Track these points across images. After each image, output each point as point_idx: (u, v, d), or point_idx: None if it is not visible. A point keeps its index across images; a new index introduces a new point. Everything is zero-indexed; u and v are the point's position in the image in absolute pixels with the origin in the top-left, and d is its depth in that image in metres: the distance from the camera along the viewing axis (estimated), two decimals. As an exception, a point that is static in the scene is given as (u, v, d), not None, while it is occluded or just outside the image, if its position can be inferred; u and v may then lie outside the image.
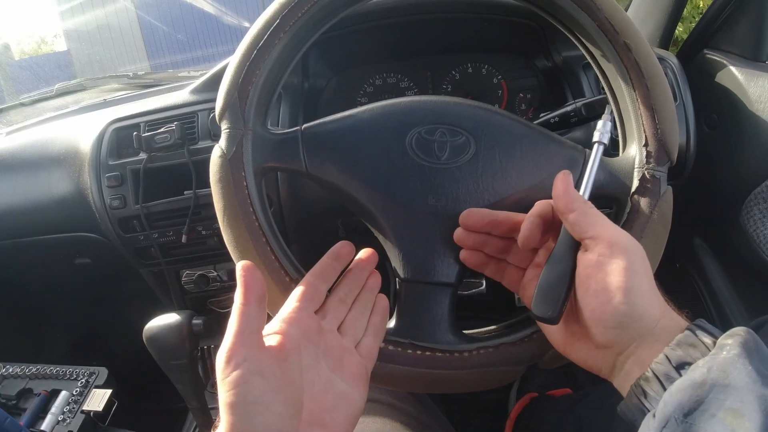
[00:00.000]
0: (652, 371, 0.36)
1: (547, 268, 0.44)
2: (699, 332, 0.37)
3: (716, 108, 0.88)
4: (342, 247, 0.49)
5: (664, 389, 0.35)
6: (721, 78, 0.89)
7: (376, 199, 0.50)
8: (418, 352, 0.49)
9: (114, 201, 0.85)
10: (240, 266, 0.40)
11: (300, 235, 0.83)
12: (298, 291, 0.45)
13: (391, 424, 0.57)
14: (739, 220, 0.89)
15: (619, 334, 0.39)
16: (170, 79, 1.19)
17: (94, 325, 1.42)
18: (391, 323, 0.51)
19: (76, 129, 0.96)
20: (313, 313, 0.44)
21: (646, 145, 0.49)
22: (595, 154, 0.49)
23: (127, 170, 0.85)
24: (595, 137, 0.50)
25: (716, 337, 0.36)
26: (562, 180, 0.44)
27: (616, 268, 0.39)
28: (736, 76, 0.86)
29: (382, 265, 0.52)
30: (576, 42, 0.55)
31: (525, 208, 0.51)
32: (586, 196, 0.47)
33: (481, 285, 0.98)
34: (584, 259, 0.41)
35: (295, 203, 0.81)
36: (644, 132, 0.49)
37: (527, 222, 0.45)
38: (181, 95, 0.90)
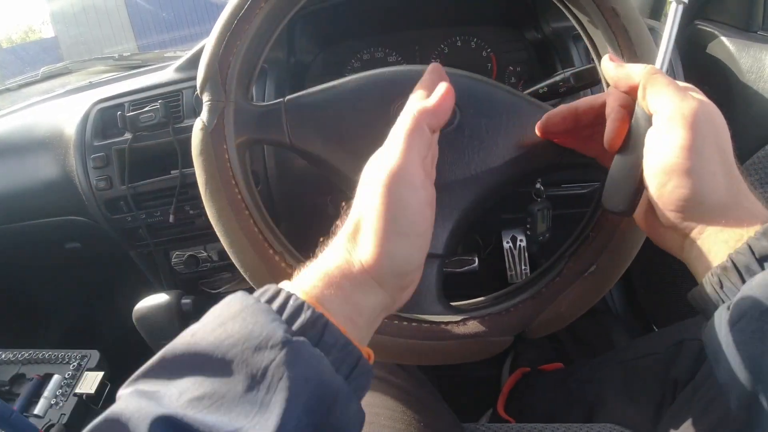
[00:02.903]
0: (732, 261, 0.33)
1: (619, 155, 0.42)
2: None
3: (707, 80, 0.87)
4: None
5: (743, 281, 0.32)
6: (712, 49, 0.88)
7: (360, 170, 0.50)
8: (405, 323, 0.48)
9: (100, 182, 0.85)
10: (442, 86, 0.40)
11: (289, 213, 0.82)
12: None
13: (382, 398, 0.57)
14: (730, 193, 0.88)
15: (681, 216, 0.37)
16: (156, 60, 1.18)
17: (87, 310, 1.41)
18: None
19: (61, 111, 0.96)
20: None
21: None
22: (674, 15, 0.40)
23: (113, 150, 0.84)
24: None
25: None
26: (609, 58, 0.42)
27: (673, 148, 0.35)
28: (728, 46, 0.85)
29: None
30: (563, 9, 0.54)
31: (512, 178, 0.50)
32: (665, 64, 0.40)
33: (474, 263, 0.97)
34: (648, 137, 0.38)
35: (283, 181, 0.80)
36: None
37: (610, 121, 0.42)
38: (166, 74, 0.89)
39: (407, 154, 0.36)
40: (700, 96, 0.38)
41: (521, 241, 0.99)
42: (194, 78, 0.85)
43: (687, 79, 0.82)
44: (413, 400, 0.59)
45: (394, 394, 0.58)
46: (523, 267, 1.00)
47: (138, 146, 0.83)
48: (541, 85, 0.66)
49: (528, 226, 0.69)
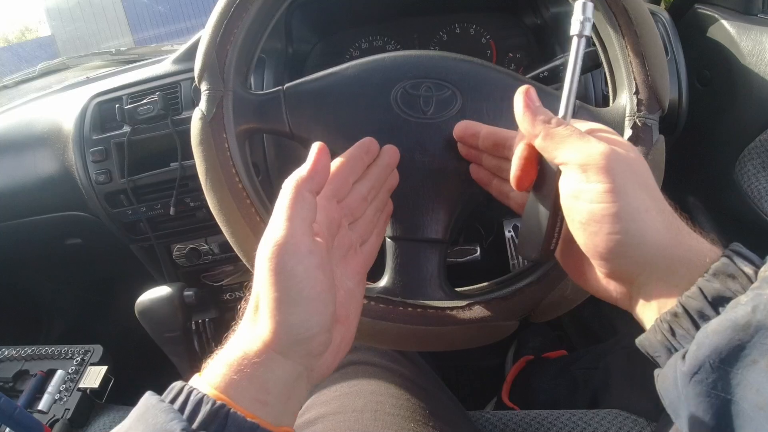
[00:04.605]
0: (683, 306, 0.31)
1: (529, 203, 0.41)
2: (737, 259, 0.31)
3: (708, 64, 0.87)
4: (371, 142, 0.47)
5: (697, 328, 0.30)
6: (712, 33, 0.87)
7: None
8: (410, 309, 0.48)
9: (99, 176, 0.84)
10: (315, 146, 0.39)
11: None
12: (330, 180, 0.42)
13: (386, 386, 0.57)
14: (733, 177, 0.88)
15: (621, 263, 0.35)
16: (153, 54, 1.17)
17: (89, 306, 1.41)
18: (382, 282, 0.50)
19: (59, 106, 0.95)
20: (337, 204, 0.43)
21: (636, 93, 0.48)
22: (576, 51, 0.38)
23: (111, 144, 0.83)
24: (573, 29, 0.39)
25: (758, 266, 0.30)
26: (522, 97, 0.39)
27: (595, 194, 0.34)
28: (728, 30, 0.84)
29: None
30: None
31: None
32: (569, 111, 0.39)
33: (476, 252, 0.97)
34: (563, 188, 0.37)
35: (284, 172, 0.79)
36: (634, 79, 0.48)
37: (514, 164, 0.41)
38: (163, 66, 0.88)
39: (290, 225, 0.35)
40: (609, 136, 0.37)
41: (523, 229, 0.99)
42: (192, 69, 0.84)
43: (689, 64, 0.81)
44: (418, 388, 0.59)
45: (398, 383, 0.58)
46: (525, 256, 1.00)
47: (137, 139, 0.83)
48: (542, 70, 0.66)
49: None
